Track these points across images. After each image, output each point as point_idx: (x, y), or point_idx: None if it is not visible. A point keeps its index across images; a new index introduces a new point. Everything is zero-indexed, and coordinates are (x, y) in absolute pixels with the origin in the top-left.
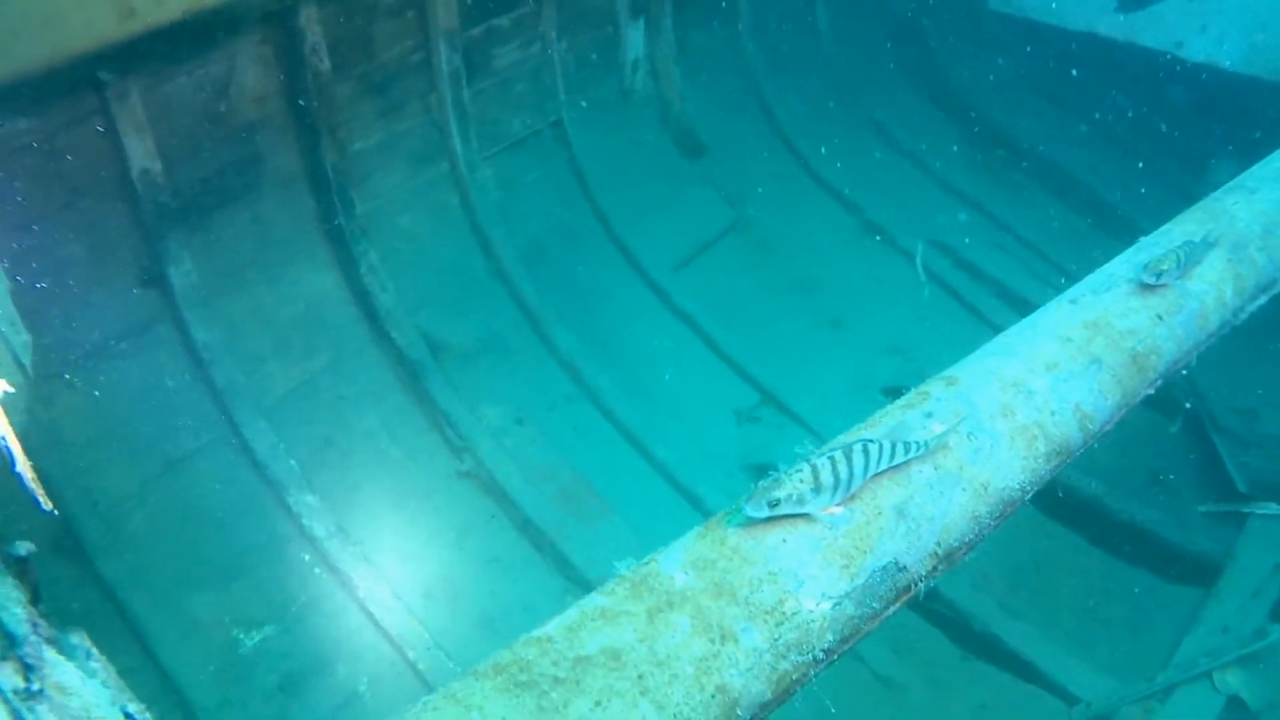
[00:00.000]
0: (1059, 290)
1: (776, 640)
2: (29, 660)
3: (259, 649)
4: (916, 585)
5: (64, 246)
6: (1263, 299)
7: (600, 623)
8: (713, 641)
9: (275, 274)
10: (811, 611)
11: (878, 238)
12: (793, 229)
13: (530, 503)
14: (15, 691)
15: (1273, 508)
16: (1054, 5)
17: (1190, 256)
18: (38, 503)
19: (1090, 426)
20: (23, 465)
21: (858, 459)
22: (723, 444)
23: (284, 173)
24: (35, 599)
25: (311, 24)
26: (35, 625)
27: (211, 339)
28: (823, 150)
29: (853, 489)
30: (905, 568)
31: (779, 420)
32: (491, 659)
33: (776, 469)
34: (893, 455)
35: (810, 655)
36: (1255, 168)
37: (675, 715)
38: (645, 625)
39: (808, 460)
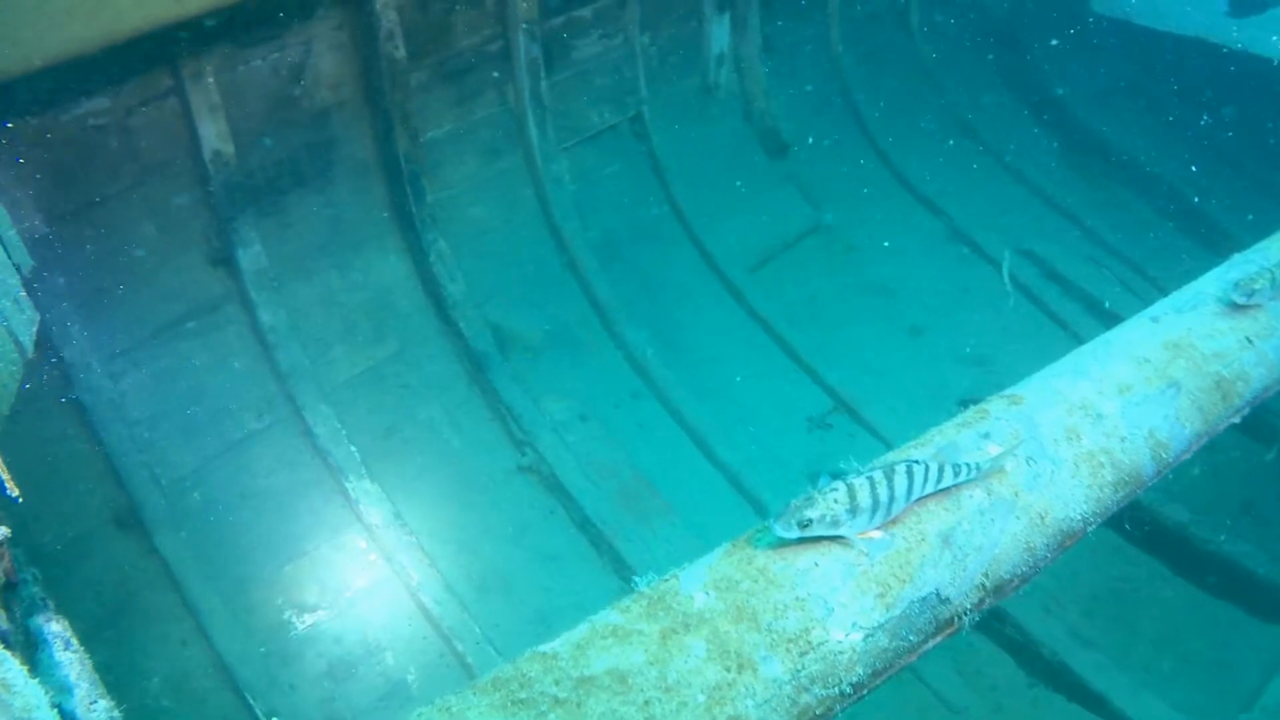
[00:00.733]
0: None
1: (799, 672)
2: None
3: (310, 633)
4: (960, 619)
5: (135, 225)
6: None
7: (609, 641)
8: (729, 669)
9: (345, 260)
10: (840, 642)
11: (963, 244)
12: (875, 232)
13: (589, 500)
14: None
15: None
16: (1161, 9)
17: None
18: (3, 488)
19: (1165, 456)
20: None
21: (900, 481)
22: (791, 450)
23: (356, 159)
24: (10, 585)
25: (388, 10)
26: None
27: (278, 321)
28: (911, 153)
29: (893, 513)
30: (948, 600)
31: (851, 428)
32: (493, 672)
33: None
34: (940, 478)
35: (836, 689)
36: None
37: None
38: (657, 647)
39: (845, 479)
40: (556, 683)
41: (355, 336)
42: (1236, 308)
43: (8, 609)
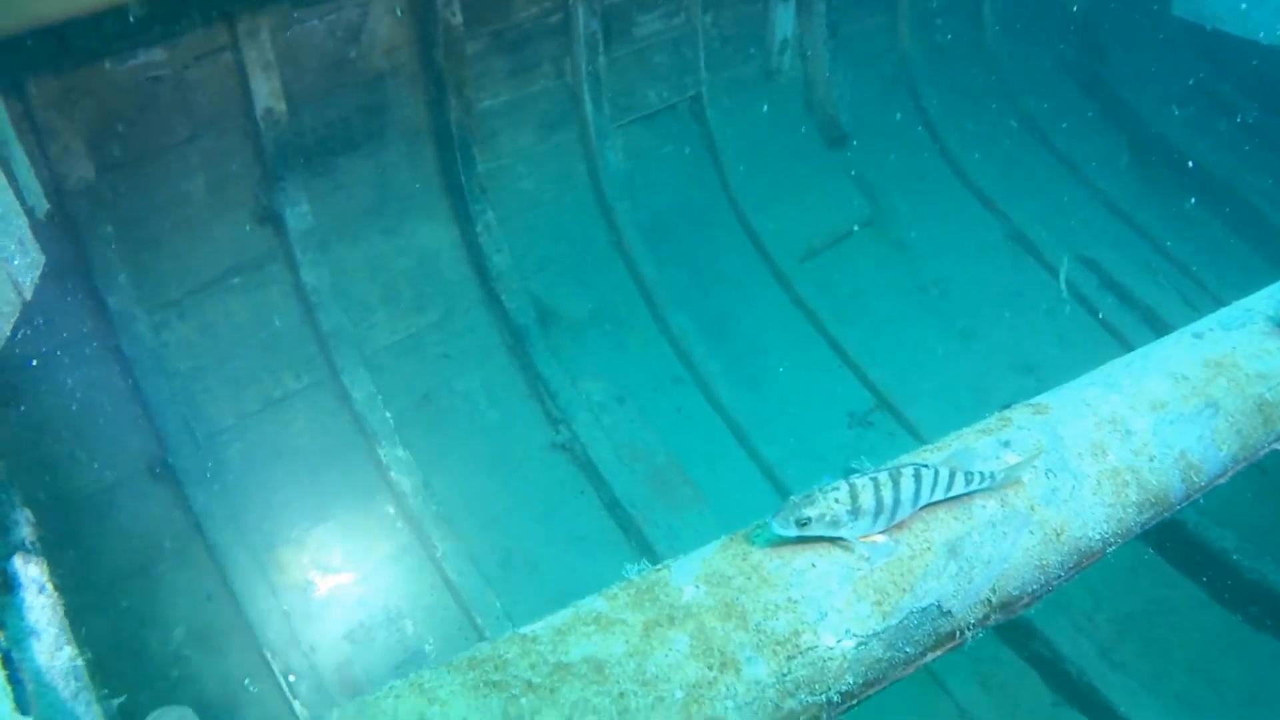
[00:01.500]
0: None
1: (784, 676)
2: None
3: (333, 595)
4: (963, 634)
5: (185, 178)
6: None
7: (591, 629)
8: (710, 667)
9: (392, 225)
10: (831, 649)
11: (1020, 246)
12: (931, 229)
13: (621, 483)
14: None
15: None
16: (1245, 16)
17: None
18: None
19: (1196, 479)
20: None
21: (906, 484)
22: (830, 446)
23: (409, 125)
24: None
25: None
26: None
27: (321, 283)
28: (973, 150)
29: (898, 517)
30: (950, 613)
31: (892, 427)
32: (470, 651)
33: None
34: (950, 485)
35: (823, 697)
36: None
37: None
38: (639, 639)
39: (847, 479)
40: (532, 667)
41: (398, 303)
42: None
43: None
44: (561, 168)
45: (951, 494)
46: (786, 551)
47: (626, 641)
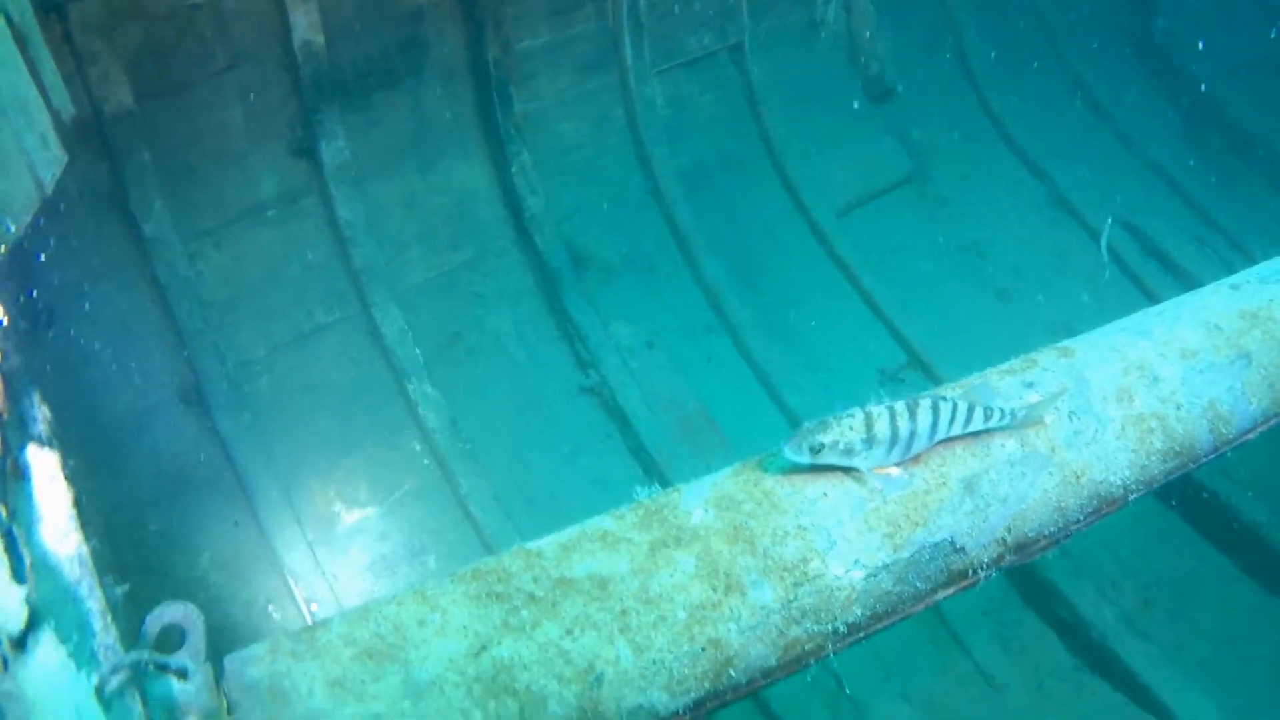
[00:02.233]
0: None
1: (790, 602)
2: None
3: (357, 527)
4: (977, 573)
5: (223, 109)
6: None
7: (597, 546)
8: (715, 589)
9: (428, 163)
10: (839, 578)
11: (1063, 210)
12: (972, 189)
13: (647, 428)
14: None
15: None
16: None
17: None
18: None
19: (1225, 430)
20: None
21: (924, 416)
22: (859, 402)
23: (447, 63)
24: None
25: None
26: None
27: (356, 218)
28: (1019, 109)
29: (914, 450)
30: (963, 550)
31: (923, 385)
32: (476, 563)
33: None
34: (969, 419)
35: (830, 626)
36: None
37: (655, 662)
38: (644, 558)
39: (863, 408)
40: (535, 580)
41: (432, 240)
42: None
43: (3, 442)
44: (599, 111)
45: (970, 429)
46: (799, 479)
47: (632, 560)
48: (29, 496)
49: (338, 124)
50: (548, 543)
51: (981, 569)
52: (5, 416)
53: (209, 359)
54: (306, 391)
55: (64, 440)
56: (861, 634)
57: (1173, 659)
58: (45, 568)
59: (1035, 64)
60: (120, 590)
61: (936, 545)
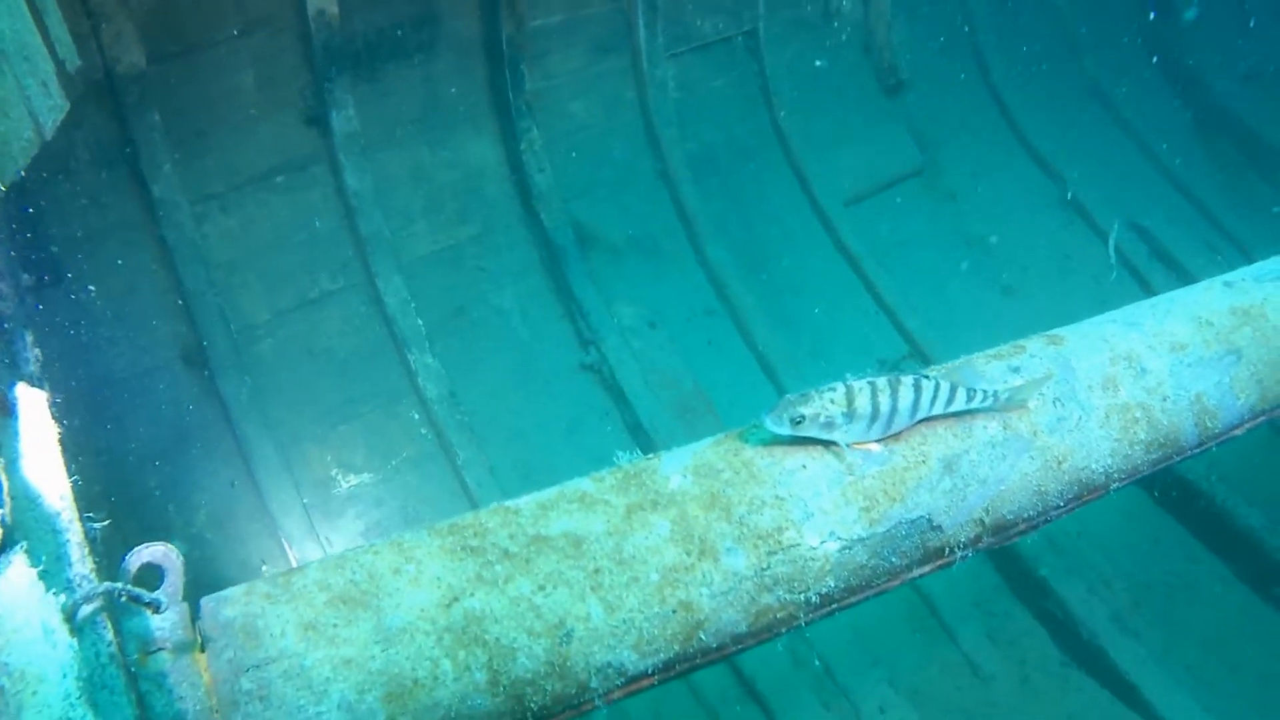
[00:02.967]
0: None
1: (763, 570)
2: None
3: (353, 493)
4: (954, 552)
5: (235, 74)
6: None
7: (574, 506)
8: (689, 554)
9: (438, 137)
10: (814, 549)
11: (1072, 209)
12: (982, 185)
13: (645, 407)
14: None
15: None
16: None
17: None
18: None
19: (1210, 425)
20: None
21: (905, 393)
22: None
23: (460, 37)
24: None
25: None
26: None
27: (363, 187)
28: (1032, 106)
29: (895, 426)
30: (940, 528)
31: None
32: (453, 518)
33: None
34: (951, 399)
35: (802, 596)
36: None
37: (625, 621)
38: (620, 520)
39: (845, 381)
40: (511, 536)
41: (439, 213)
42: None
43: None
44: (611, 92)
45: (952, 409)
46: (779, 451)
47: (608, 521)
48: (14, 431)
49: (348, 94)
50: (526, 501)
51: (958, 548)
52: None
53: (213, 321)
54: (308, 357)
55: (66, 396)
56: (835, 605)
57: (1160, 659)
58: (25, 498)
59: (1050, 64)
60: (99, 525)
61: (913, 522)
